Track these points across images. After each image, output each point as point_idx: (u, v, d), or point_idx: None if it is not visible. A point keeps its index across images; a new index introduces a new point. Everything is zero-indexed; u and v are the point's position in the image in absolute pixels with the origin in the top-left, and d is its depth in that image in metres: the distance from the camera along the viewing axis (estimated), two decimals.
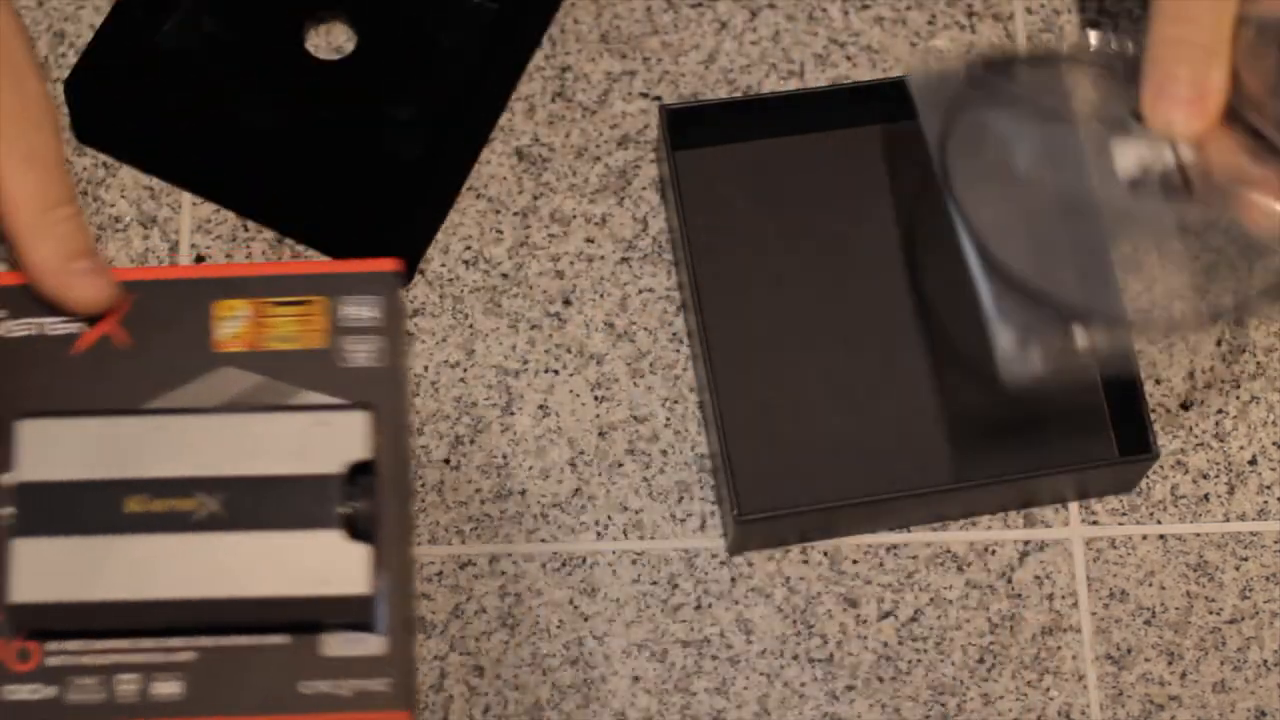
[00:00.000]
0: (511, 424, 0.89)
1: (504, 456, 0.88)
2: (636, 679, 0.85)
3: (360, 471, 0.77)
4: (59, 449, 0.77)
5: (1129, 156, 0.81)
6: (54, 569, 0.75)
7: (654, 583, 0.87)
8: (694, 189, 0.91)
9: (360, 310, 0.81)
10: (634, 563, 0.87)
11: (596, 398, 0.89)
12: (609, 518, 0.87)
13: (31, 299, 0.81)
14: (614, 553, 0.87)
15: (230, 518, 0.76)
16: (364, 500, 0.76)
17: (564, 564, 0.87)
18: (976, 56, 0.85)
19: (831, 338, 0.89)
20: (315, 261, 0.82)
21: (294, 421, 0.77)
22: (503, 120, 0.92)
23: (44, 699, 0.77)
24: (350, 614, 0.77)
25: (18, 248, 0.79)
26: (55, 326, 0.81)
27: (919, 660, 0.86)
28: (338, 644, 0.78)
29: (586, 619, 0.86)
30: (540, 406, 0.89)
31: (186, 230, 0.91)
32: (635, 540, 0.87)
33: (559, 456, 0.88)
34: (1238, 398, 0.90)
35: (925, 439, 0.88)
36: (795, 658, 0.86)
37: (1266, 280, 0.79)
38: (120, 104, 0.86)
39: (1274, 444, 0.89)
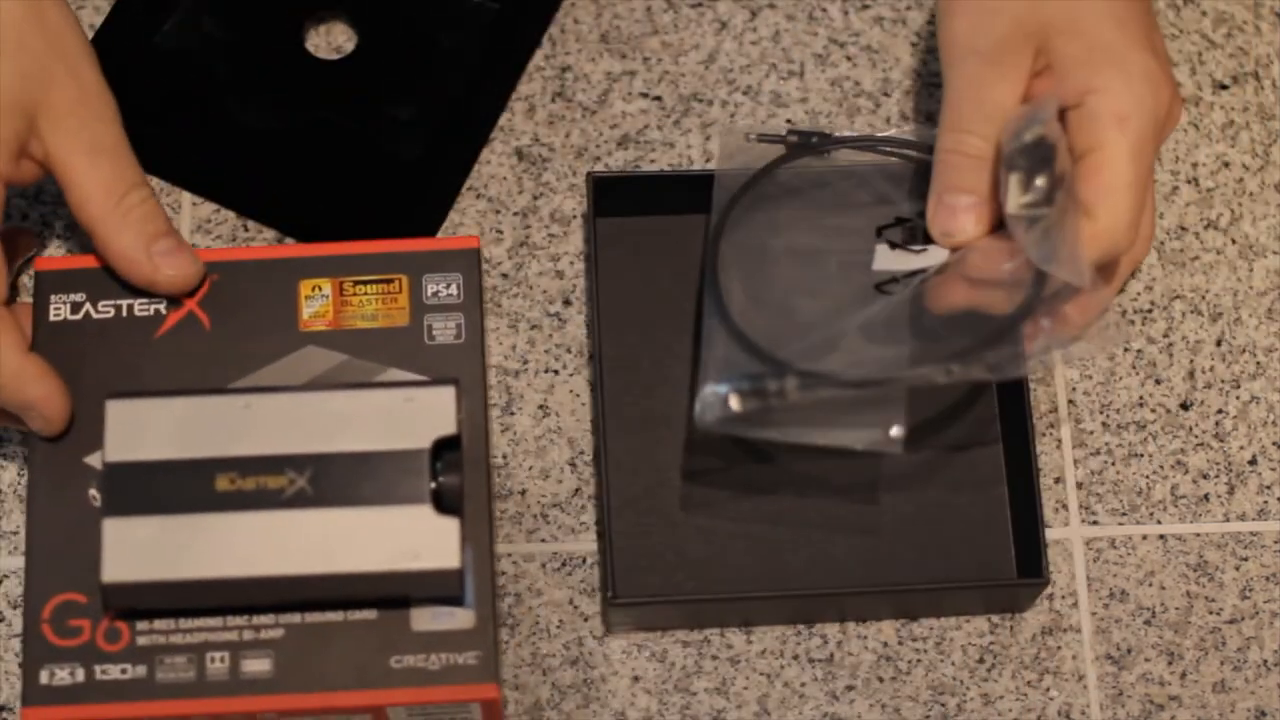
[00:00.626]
0: (511, 424, 0.88)
1: (504, 456, 0.88)
2: (636, 679, 0.85)
3: (446, 446, 0.77)
4: (147, 429, 0.78)
5: (885, 261, 0.84)
6: (143, 548, 0.76)
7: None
8: (613, 258, 0.89)
9: (442, 287, 0.82)
10: None
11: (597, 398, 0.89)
12: None
13: (112, 281, 0.82)
14: None
15: (319, 494, 0.77)
16: (451, 474, 0.77)
17: (564, 564, 0.87)
18: (790, 132, 0.86)
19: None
20: (397, 240, 0.84)
21: (381, 398, 0.78)
22: (503, 120, 0.92)
23: (134, 678, 0.78)
24: (441, 588, 0.77)
25: (97, 239, 0.80)
26: (138, 308, 0.82)
27: (919, 660, 0.86)
28: (427, 618, 0.79)
29: (586, 619, 0.86)
30: (540, 406, 0.89)
31: (186, 230, 0.91)
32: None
33: (559, 456, 0.88)
34: (1238, 398, 0.90)
35: (820, 538, 0.86)
36: (795, 658, 0.86)
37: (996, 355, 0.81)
38: (120, 104, 0.86)
39: (1274, 444, 0.89)
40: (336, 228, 0.89)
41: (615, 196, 0.88)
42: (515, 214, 0.91)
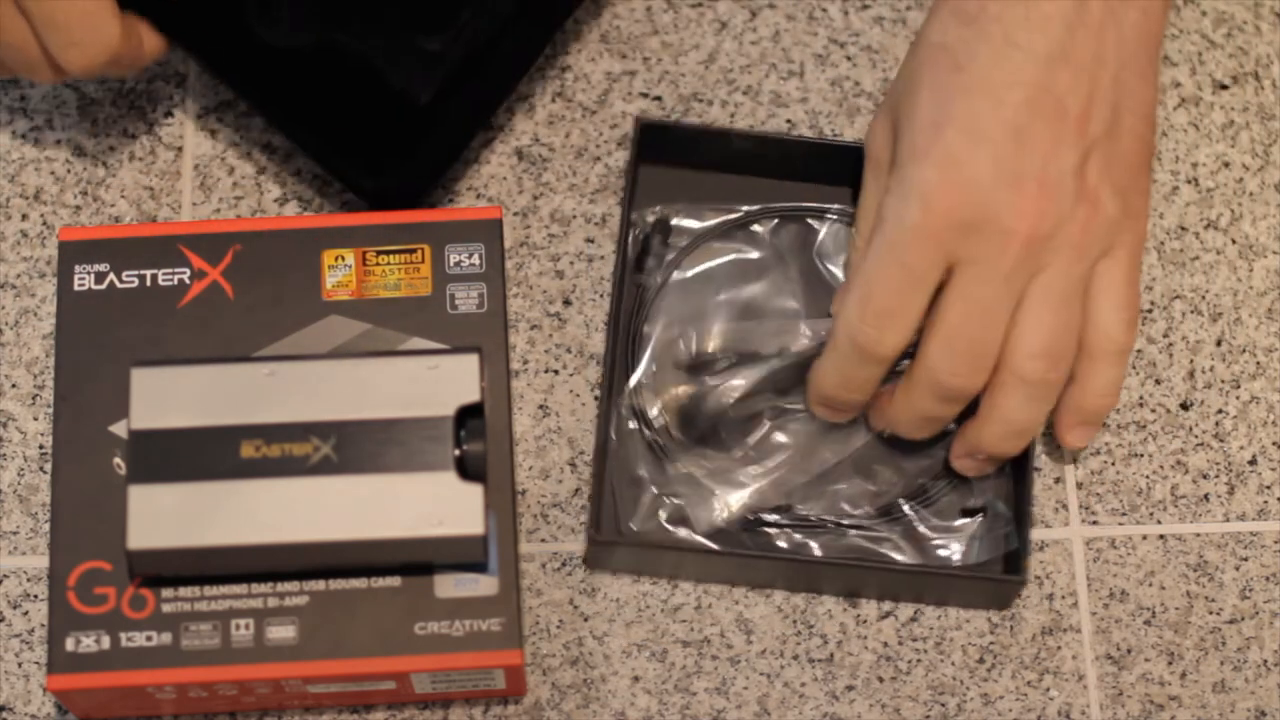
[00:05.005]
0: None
1: None
2: (636, 679, 0.85)
3: (469, 414, 0.78)
4: (172, 397, 0.79)
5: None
6: (169, 515, 0.77)
7: (654, 583, 0.87)
8: (649, 205, 0.89)
9: (464, 257, 0.83)
10: None
11: (596, 398, 0.89)
12: None
13: (137, 252, 0.83)
14: None
15: (344, 461, 0.78)
16: (474, 442, 0.78)
17: (564, 564, 0.87)
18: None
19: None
20: (418, 210, 0.85)
21: (405, 366, 0.79)
22: (502, 120, 0.92)
23: (160, 646, 0.79)
24: (464, 554, 0.78)
25: None
26: (162, 278, 0.83)
27: (919, 660, 0.86)
28: (450, 585, 0.79)
29: (586, 619, 0.86)
30: (540, 406, 0.89)
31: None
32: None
33: (559, 456, 0.88)
34: (1238, 398, 0.90)
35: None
36: (795, 658, 0.86)
37: None
38: None
39: (1274, 444, 0.89)
40: (340, 146, 0.87)
41: (663, 145, 0.88)
42: (515, 214, 0.91)
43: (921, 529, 0.86)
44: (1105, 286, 0.80)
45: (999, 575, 0.85)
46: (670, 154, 0.89)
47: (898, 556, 0.85)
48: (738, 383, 0.86)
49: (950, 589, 0.85)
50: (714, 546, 0.85)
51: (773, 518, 0.85)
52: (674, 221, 0.89)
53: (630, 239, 0.88)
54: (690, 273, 0.88)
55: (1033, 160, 0.78)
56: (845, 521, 0.85)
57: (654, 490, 0.85)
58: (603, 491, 0.84)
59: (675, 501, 0.85)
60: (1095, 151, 0.79)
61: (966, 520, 0.86)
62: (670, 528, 0.85)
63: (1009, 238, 0.77)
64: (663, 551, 0.85)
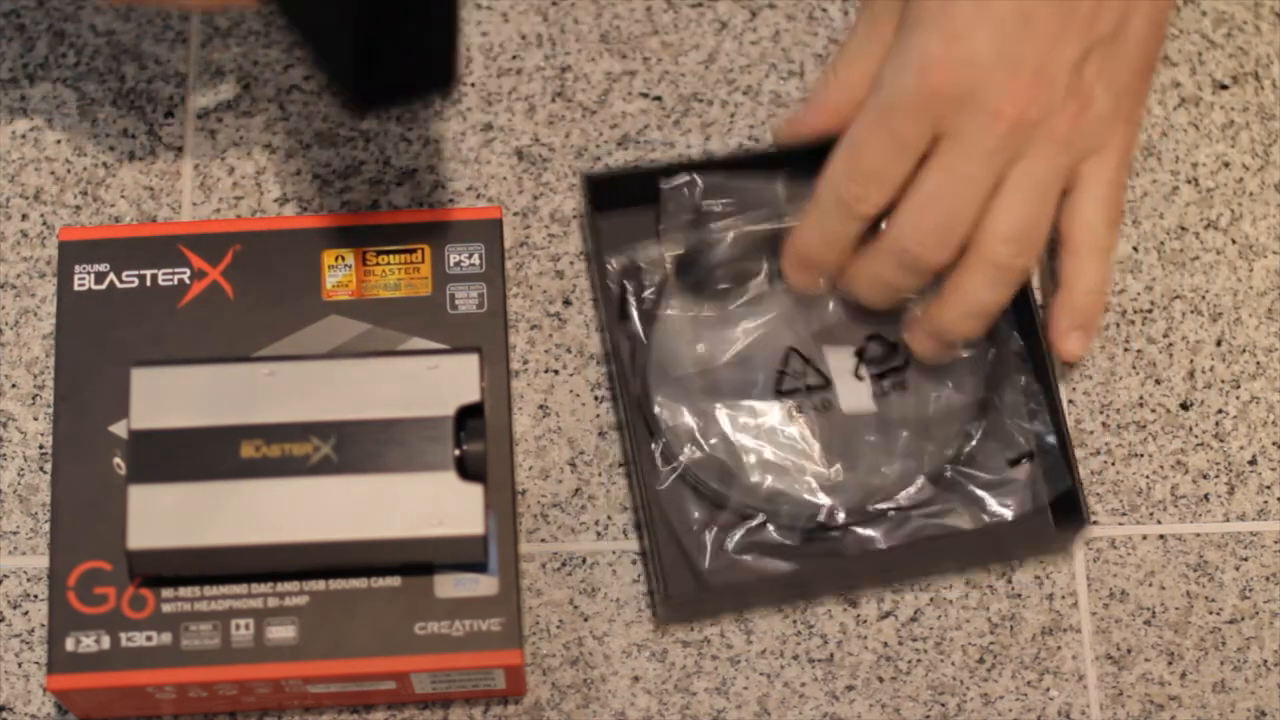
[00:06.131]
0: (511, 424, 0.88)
1: None
2: (636, 679, 0.85)
3: (469, 414, 0.78)
4: (171, 397, 0.79)
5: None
6: (169, 515, 0.78)
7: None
8: (614, 253, 0.89)
9: (464, 257, 0.83)
10: (634, 563, 0.87)
11: (596, 398, 0.89)
12: (609, 518, 0.87)
13: (136, 252, 0.83)
14: (614, 553, 0.87)
15: (344, 461, 0.78)
16: (474, 442, 0.78)
17: (564, 564, 0.87)
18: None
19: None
20: (418, 210, 0.86)
21: (405, 366, 0.79)
22: (503, 120, 0.92)
23: (160, 646, 0.79)
24: (464, 554, 0.78)
25: None
26: (162, 278, 0.83)
27: (919, 660, 0.86)
28: (450, 585, 0.80)
29: (586, 619, 0.86)
30: (540, 406, 0.89)
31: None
32: (635, 540, 0.87)
33: (559, 456, 0.88)
34: (1238, 398, 0.90)
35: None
36: (795, 658, 0.86)
37: None
38: None
39: (1274, 444, 0.89)
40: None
41: (613, 193, 0.88)
42: (515, 214, 0.91)
43: (975, 490, 0.86)
44: (1090, 184, 0.83)
45: (1059, 523, 0.85)
46: (624, 199, 0.89)
47: (960, 524, 0.85)
48: (735, 231, 0.87)
49: (1018, 541, 0.86)
50: (781, 567, 0.85)
51: (834, 519, 0.85)
52: (640, 262, 0.88)
53: (606, 294, 0.87)
54: (670, 310, 0.88)
55: (1034, 47, 0.80)
56: (904, 504, 0.85)
57: (714, 528, 0.85)
58: (660, 551, 0.84)
59: (735, 531, 0.84)
60: (1097, 49, 0.81)
61: (1015, 469, 0.86)
62: (740, 557, 0.84)
63: (996, 118, 0.80)
64: (748, 585, 0.84)
